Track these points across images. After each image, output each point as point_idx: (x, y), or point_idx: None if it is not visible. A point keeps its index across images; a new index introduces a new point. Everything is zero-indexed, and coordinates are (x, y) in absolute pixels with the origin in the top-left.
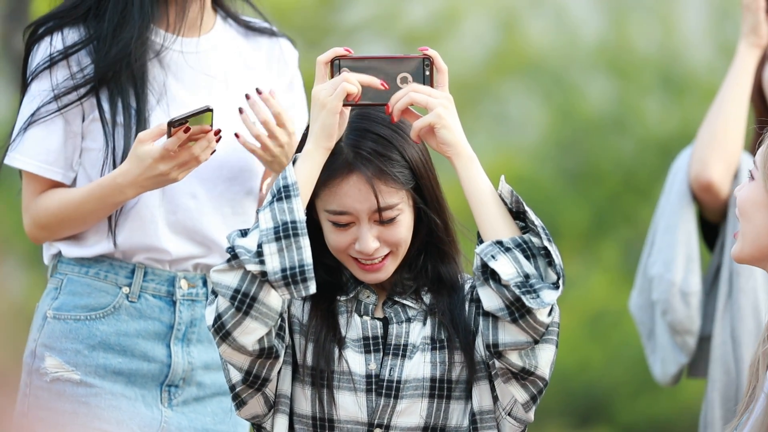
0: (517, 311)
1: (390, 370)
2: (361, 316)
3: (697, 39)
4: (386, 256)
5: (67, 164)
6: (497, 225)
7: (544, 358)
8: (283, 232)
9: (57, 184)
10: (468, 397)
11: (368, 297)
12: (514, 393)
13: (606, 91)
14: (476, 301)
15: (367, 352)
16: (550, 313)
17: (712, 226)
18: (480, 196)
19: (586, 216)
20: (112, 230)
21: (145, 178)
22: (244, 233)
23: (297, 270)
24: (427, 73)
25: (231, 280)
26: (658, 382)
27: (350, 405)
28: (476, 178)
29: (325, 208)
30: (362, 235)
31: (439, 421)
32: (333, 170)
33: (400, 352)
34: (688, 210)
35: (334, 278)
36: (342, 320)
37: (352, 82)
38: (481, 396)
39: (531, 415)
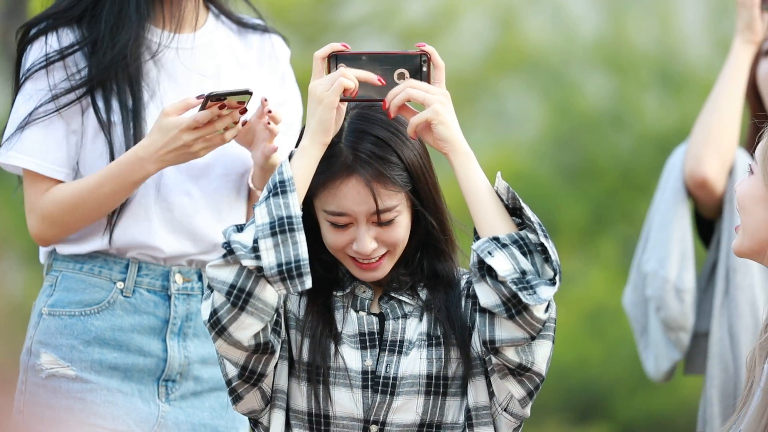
0: (514, 307)
1: (386, 366)
2: (357, 311)
3: (695, 35)
4: (383, 255)
5: (69, 163)
6: (494, 221)
7: (541, 354)
8: (279, 228)
9: (60, 183)
10: (464, 393)
11: (364, 292)
12: (511, 389)
13: (604, 87)
14: (473, 297)
15: (363, 348)
16: (546, 310)
17: (707, 222)
18: (477, 192)
19: (584, 212)
20: (110, 226)
21: (167, 151)
22: (240, 228)
23: (293, 265)
24: (425, 69)
25: (227, 275)
26: (650, 378)
27: (346, 401)
28: (473, 174)
29: (323, 208)
30: (360, 237)
31: (435, 418)
32: (332, 172)
33: (396, 349)
34: (683, 206)
35: (330, 273)
36: (338, 316)
37: (349, 77)
38: (476, 392)
39: (527, 411)
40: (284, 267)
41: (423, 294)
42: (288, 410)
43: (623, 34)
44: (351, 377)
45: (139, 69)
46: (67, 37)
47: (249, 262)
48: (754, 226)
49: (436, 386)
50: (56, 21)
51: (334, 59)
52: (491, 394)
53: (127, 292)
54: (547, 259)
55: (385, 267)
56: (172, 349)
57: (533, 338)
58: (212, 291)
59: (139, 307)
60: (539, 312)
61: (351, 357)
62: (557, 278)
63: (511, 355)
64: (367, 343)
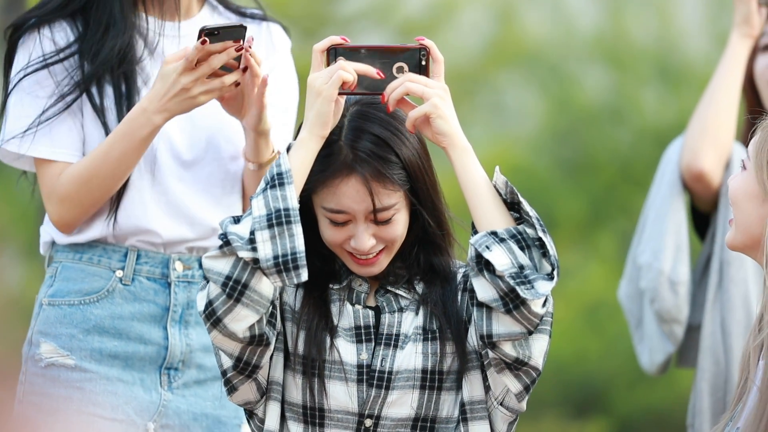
0: (512, 302)
1: (381, 360)
2: (353, 304)
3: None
4: (381, 251)
5: (78, 146)
6: (492, 216)
7: (538, 348)
8: (276, 220)
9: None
10: (459, 387)
11: (360, 285)
12: (508, 383)
13: (603, 81)
14: (470, 291)
15: (359, 341)
16: (544, 304)
17: (703, 215)
18: (475, 186)
19: (582, 206)
20: (113, 212)
21: (169, 98)
22: (236, 220)
23: (289, 257)
24: (424, 63)
25: (223, 266)
26: (645, 370)
27: (341, 395)
28: (471, 168)
29: (322, 205)
30: (359, 234)
31: (430, 412)
32: (332, 171)
33: (392, 342)
34: (679, 199)
35: (327, 266)
36: (334, 309)
37: (348, 70)
38: (471, 386)
39: (523, 405)
40: (280, 259)
41: (419, 288)
42: (283, 402)
43: (622, 28)
44: (346, 371)
45: (133, 58)
46: (62, 33)
47: (245, 254)
48: (746, 221)
49: (431, 381)
50: (48, 17)
51: (333, 52)
52: (487, 388)
53: (126, 280)
54: (545, 253)
55: (383, 262)
56: (173, 337)
57: (530, 333)
58: (208, 282)
59: (138, 295)
60: (537, 307)
61: (346, 350)
62: (555, 273)
63: (508, 349)
64: (363, 337)
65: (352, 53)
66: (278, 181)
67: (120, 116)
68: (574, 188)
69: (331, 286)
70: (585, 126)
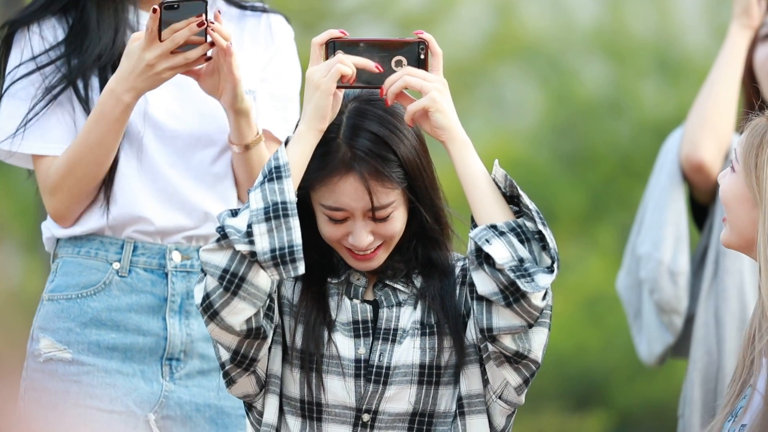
0: (512, 295)
1: (379, 355)
2: (350, 298)
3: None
4: (379, 246)
5: (69, 138)
6: (491, 209)
7: (538, 341)
8: (273, 213)
9: None
10: (456, 382)
11: (358, 279)
12: (507, 376)
13: (602, 74)
14: (469, 284)
15: (357, 336)
16: (544, 297)
17: (701, 206)
18: (474, 180)
19: (582, 200)
20: (106, 200)
21: (135, 75)
22: (234, 213)
23: (286, 251)
24: (422, 56)
25: (220, 259)
26: (643, 362)
27: (338, 390)
28: (470, 162)
29: (320, 202)
30: (357, 231)
31: (428, 407)
32: (330, 169)
33: (390, 337)
34: (678, 190)
35: (325, 260)
36: (332, 303)
37: (346, 63)
38: (469, 380)
39: (522, 398)
40: (277, 252)
41: (418, 282)
42: (281, 396)
43: (621, 21)
44: (344, 365)
45: (121, 51)
46: (51, 29)
47: (242, 247)
48: (740, 224)
49: (429, 376)
50: (39, 13)
51: (332, 46)
52: (485, 382)
53: (123, 272)
54: (544, 246)
55: (380, 257)
56: (173, 327)
57: (530, 326)
58: (205, 275)
59: (135, 287)
60: (537, 300)
61: (344, 345)
62: (555, 266)
63: (508, 342)
64: (361, 332)
65: (351, 47)
66: (276, 174)
67: None
68: (573, 181)
69: (329, 279)
70: (584, 119)
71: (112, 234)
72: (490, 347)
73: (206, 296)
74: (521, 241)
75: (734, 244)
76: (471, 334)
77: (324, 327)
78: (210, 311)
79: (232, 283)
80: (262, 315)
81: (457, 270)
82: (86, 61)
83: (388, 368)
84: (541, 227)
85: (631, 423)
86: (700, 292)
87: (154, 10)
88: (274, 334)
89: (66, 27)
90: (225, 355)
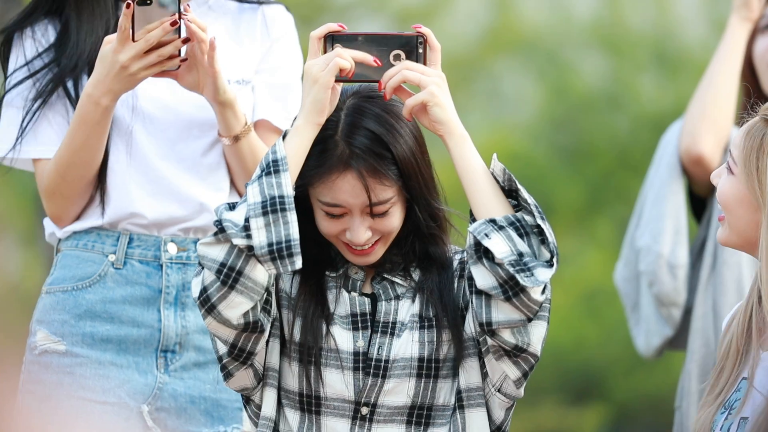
0: (511, 289)
1: (378, 348)
2: (349, 292)
3: (691, 16)
4: (377, 241)
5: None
6: (490, 203)
7: (537, 335)
8: (271, 207)
9: None
10: (455, 375)
11: (357, 273)
12: (506, 370)
13: (600, 68)
14: (468, 278)
15: (355, 329)
16: (543, 291)
17: (699, 199)
18: (472, 174)
19: (580, 193)
20: (101, 197)
21: (111, 78)
22: (232, 207)
23: (283, 245)
24: (420, 50)
25: (217, 253)
26: (641, 354)
27: (337, 383)
28: (468, 156)
29: (318, 198)
30: (354, 227)
31: (426, 400)
32: (329, 166)
33: (389, 330)
34: (678, 182)
35: (323, 253)
36: (330, 296)
37: (345, 57)
38: (468, 373)
39: (521, 391)
40: (275, 246)
41: (416, 275)
42: (279, 389)
43: (619, 15)
44: (342, 359)
45: None
46: (43, 31)
47: (240, 241)
48: (740, 226)
49: (427, 369)
50: (34, 17)
51: (330, 39)
52: (484, 375)
53: (118, 264)
54: (543, 240)
55: (378, 252)
56: (167, 319)
57: (530, 320)
58: (203, 268)
59: (130, 279)
60: (536, 294)
61: (342, 338)
62: (554, 260)
63: (507, 336)
64: (359, 324)
65: (349, 40)
66: (273, 168)
67: None
68: (571, 175)
69: (327, 273)
70: (582, 113)
71: (109, 227)
72: (489, 341)
73: (203, 290)
74: (520, 236)
75: (734, 243)
76: (470, 327)
77: (322, 320)
78: (207, 305)
79: (230, 277)
80: (259, 309)
81: (455, 263)
82: (76, 62)
83: (386, 361)
84: (539, 221)
85: (630, 415)
86: (698, 284)
87: (128, 5)
88: (272, 327)
89: (57, 26)
90: (222, 349)
